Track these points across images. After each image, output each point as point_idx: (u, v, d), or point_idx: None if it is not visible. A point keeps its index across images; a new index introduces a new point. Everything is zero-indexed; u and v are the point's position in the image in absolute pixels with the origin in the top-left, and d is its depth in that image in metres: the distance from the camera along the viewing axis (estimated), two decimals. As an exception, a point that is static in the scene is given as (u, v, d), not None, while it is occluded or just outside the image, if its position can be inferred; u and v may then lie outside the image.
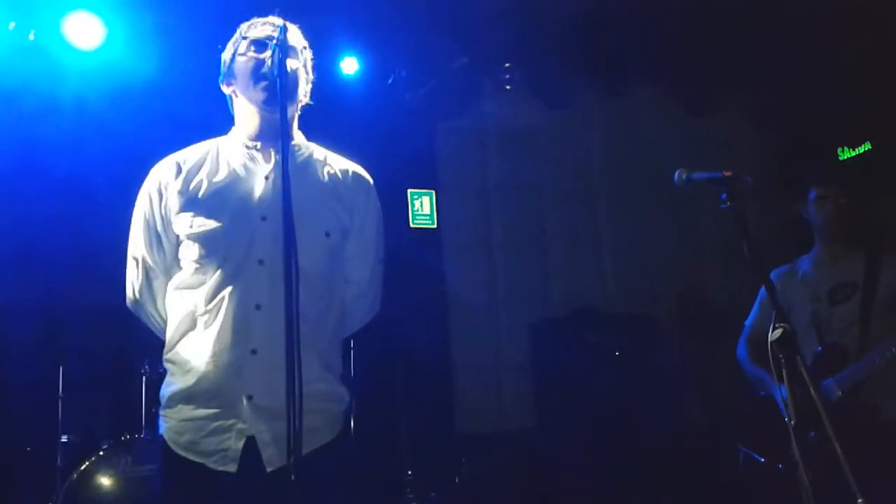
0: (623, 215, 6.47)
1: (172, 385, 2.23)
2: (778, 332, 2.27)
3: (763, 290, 3.68)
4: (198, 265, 2.19)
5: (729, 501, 4.64)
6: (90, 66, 4.83)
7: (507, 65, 5.84)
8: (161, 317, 2.34)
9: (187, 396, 2.18)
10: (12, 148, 4.72)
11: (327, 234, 2.25)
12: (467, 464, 5.36)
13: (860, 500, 2.05)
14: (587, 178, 6.44)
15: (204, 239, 2.18)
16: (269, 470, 2.11)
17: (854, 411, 3.34)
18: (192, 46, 4.87)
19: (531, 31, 5.57)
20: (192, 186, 2.25)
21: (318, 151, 2.41)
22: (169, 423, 2.22)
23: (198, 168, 2.29)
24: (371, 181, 2.44)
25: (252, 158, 2.29)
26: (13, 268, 4.71)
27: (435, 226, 5.94)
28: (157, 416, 4.33)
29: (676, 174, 2.58)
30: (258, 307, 2.13)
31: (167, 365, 2.28)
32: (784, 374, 2.26)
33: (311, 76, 2.39)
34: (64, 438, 4.37)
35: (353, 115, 5.28)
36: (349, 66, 5.53)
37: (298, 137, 2.40)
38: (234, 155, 2.31)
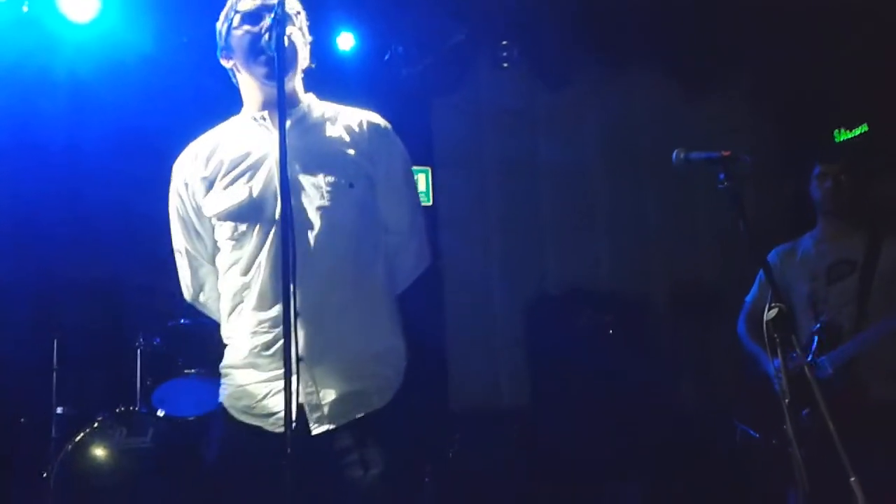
0: (619, 195, 6.47)
1: (229, 356, 2.29)
2: (773, 311, 2.28)
3: (763, 267, 3.69)
4: (233, 241, 2.22)
5: (724, 477, 4.69)
6: (85, 39, 4.80)
7: (504, 42, 5.81)
8: (213, 305, 2.41)
9: (242, 364, 2.23)
10: (6, 122, 4.70)
11: (351, 185, 2.24)
12: (461, 440, 5.39)
13: (853, 478, 2.08)
14: (584, 157, 6.43)
15: (233, 214, 2.21)
16: (314, 433, 2.14)
17: (844, 389, 3.37)
18: (189, 18, 4.83)
19: (530, 9, 5.54)
20: (212, 168, 2.28)
21: (330, 109, 2.40)
22: (228, 389, 2.28)
23: (215, 150, 2.31)
24: (389, 126, 2.42)
25: (263, 128, 2.30)
26: (9, 242, 4.71)
27: (430, 203, 5.94)
28: (152, 388, 4.39)
29: (674, 154, 2.58)
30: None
31: (225, 339, 2.32)
32: (779, 353, 2.28)
33: (307, 38, 2.38)
34: (59, 410, 4.39)
35: (348, 92, 5.18)
36: (345, 41, 5.50)
37: (308, 99, 2.39)
38: (246, 129, 2.33)
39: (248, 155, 2.26)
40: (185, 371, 4.36)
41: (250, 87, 2.34)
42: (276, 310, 2.16)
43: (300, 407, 2.12)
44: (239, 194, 2.21)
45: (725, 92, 6.45)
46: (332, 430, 2.13)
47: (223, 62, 2.39)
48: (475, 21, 5.65)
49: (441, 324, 5.89)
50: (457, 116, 6.20)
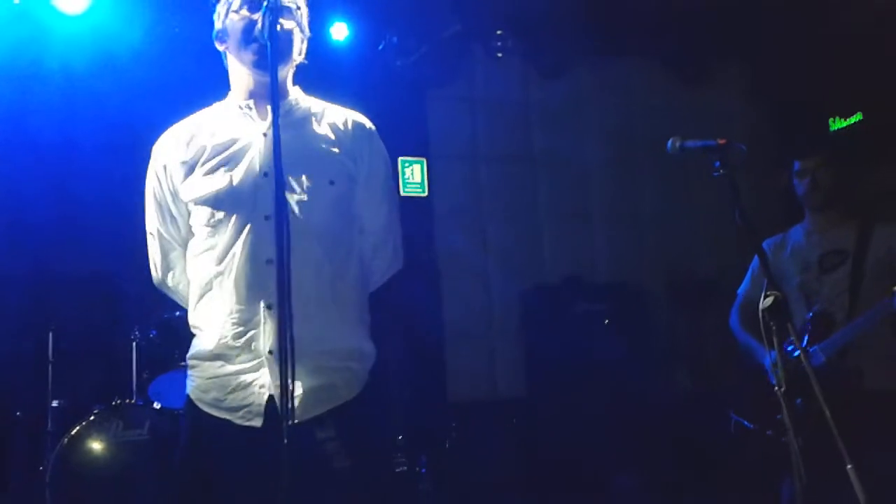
0: (614, 185, 6.48)
1: (197, 346, 2.27)
2: (769, 299, 2.28)
3: (756, 259, 3.69)
4: (209, 228, 2.21)
5: (719, 467, 4.70)
6: (77, 31, 4.77)
7: (499, 32, 5.79)
8: (182, 290, 2.39)
9: (211, 355, 2.21)
10: (-1, 115, 4.68)
11: (331, 182, 2.24)
12: (457, 429, 5.40)
13: (849, 466, 2.08)
14: (579, 147, 6.43)
15: (211, 200, 2.20)
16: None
17: (838, 377, 3.37)
18: (181, 10, 4.81)
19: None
20: (193, 153, 2.26)
21: (317, 104, 2.39)
22: (195, 381, 2.25)
23: (196, 135, 2.29)
24: (373, 127, 2.41)
25: (248, 117, 2.29)
26: (3, 235, 4.69)
27: (426, 194, 5.93)
28: (148, 381, 4.38)
29: (669, 142, 2.57)
30: (269, 261, 2.14)
31: (193, 329, 2.31)
32: (774, 342, 2.27)
33: (306, 34, 2.37)
34: (55, 403, 4.38)
35: (342, 82, 5.23)
36: (339, 31, 5.47)
37: (295, 93, 2.38)
38: (231, 116, 2.31)
39: (231, 143, 2.25)
40: (181, 363, 4.31)
41: (239, 73, 2.33)
42: (248, 301, 2.15)
43: (270, 400, 2.12)
44: (219, 182, 2.20)
45: (721, 81, 6.46)
46: (300, 423, 2.09)
47: (217, 45, 2.37)
48: (470, 11, 5.63)
49: (438, 314, 5.89)
50: (452, 107, 6.19)
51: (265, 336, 2.14)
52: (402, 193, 5.84)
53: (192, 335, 2.31)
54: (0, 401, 4.58)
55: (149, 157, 2.36)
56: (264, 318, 2.14)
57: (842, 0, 5.27)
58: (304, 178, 2.19)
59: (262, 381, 2.14)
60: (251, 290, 2.14)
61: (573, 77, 6.31)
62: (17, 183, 4.74)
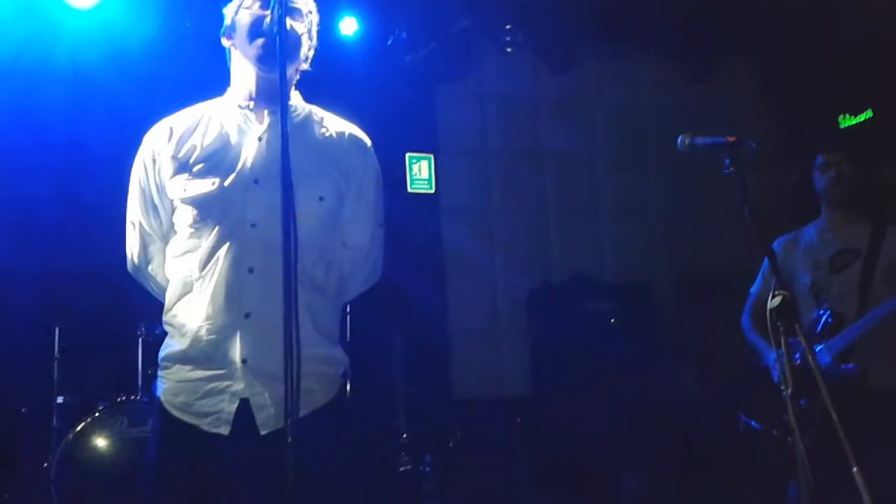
0: (623, 182, 6.45)
1: (169, 347, 2.24)
2: (777, 299, 2.26)
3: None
4: (192, 229, 2.18)
5: (726, 468, 4.67)
6: (87, 27, 4.76)
7: (508, 27, 5.77)
8: (159, 281, 2.35)
9: (183, 358, 2.18)
10: (8, 111, 4.67)
11: (321, 199, 2.22)
12: (462, 428, 5.38)
13: (855, 468, 2.06)
14: (588, 143, 6.41)
15: (197, 203, 2.17)
16: (263, 433, 2.11)
17: (844, 377, 3.35)
18: (192, 5, 4.80)
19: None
20: (184, 150, 2.23)
21: (315, 112, 2.37)
22: (166, 383, 2.23)
23: (190, 132, 2.26)
24: (369, 143, 2.39)
25: (245, 119, 2.26)
26: (11, 230, 4.69)
27: (433, 190, 5.92)
28: (153, 378, 4.37)
29: (679, 139, 2.56)
30: (251, 270, 2.12)
31: (166, 327, 2.28)
32: (782, 342, 2.25)
33: (314, 42, 2.35)
34: (60, 399, 4.39)
35: (351, 77, 5.23)
36: (348, 26, 5.46)
37: (294, 98, 2.36)
38: (227, 116, 2.28)
39: (224, 145, 2.22)
40: (187, 360, 4.35)
41: (243, 70, 2.29)
42: (226, 308, 2.12)
43: (240, 408, 2.10)
44: (208, 185, 2.17)
45: (730, 78, 6.42)
46: (281, 429, 2.09)
47: (224, 41, 2.34)
48: (479, 6, 5.61)
49: (444, 312, 5.87)
50: (460, 102, 6.17)
51: (241, 344, 2.12)
52: (410, 190, 5.82)
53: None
54: (5, 397, 4.58)
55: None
56: (241, 327, 2.12)
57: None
58: (294, 191, 2.16)
59: (234, 389, 2.12)
60: (230, 297, 2.12)
61: (582, 72, 6.29)
62: (24, 180, 4.74)
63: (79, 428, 4.06)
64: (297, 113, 2.32)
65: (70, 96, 4.84)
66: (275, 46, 2.01)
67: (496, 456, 5.39)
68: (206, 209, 2.16)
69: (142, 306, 4.52)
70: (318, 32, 2.38)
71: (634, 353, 5.44)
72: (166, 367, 2.24)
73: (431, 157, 5.92)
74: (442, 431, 5.31)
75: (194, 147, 2.23)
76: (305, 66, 2.36)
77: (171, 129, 2.28)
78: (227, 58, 2.36)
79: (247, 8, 2.25)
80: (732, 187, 2.38)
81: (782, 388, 2.29)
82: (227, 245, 2.14)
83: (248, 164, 2.18)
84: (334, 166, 2.28)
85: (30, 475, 4.28)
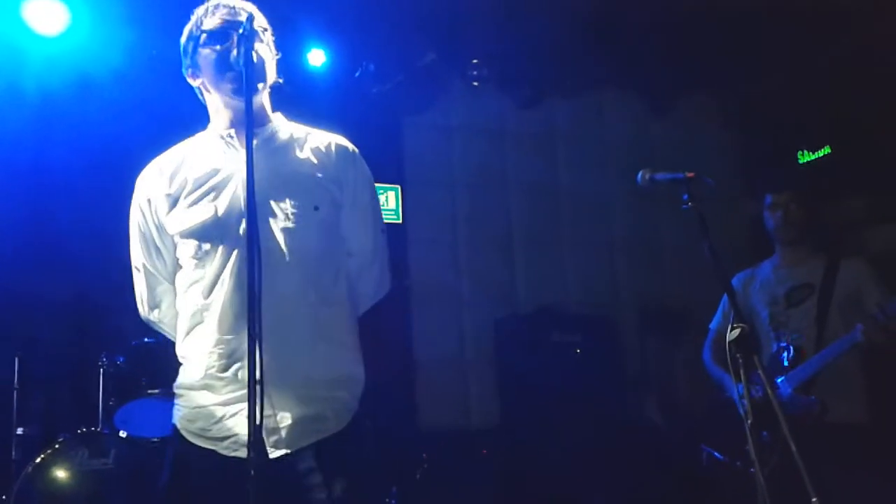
0: (586, 214, 6.51)
1: (184, 375, 2.26)
2: (736, 331, 2.30)
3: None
4: (196, 260, 2.20)
5: (690, 499, 4.70)
6: (53, 53, 4.74)
7: (475, 61, 5.84)
8: (169, 322, 2.38)
9: (197, 385, 2.20)
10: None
11: (316, 208, 2.24)
12: (428, 459, 5.36)
13: (814, 500, 2.09)
14: (553, 176, 6.47)
15: (196, 233, 2.20)
16: (272, 456, 2.10)
17: (804, 409, 3.40)
18: (160, 31, 4.79)
19: (500, 28, 5.58)
20: (176, 185, 2.26)
21: (299, 130, 2.40)
22: (182, 410, 2.24)
23: (179, 167, 2.29)
24: (356, 150, 2.42)
25: (229, 146, 2.29)
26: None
27: (400, 221, 5.93)
28: (115, 409, 4.31)
29: (639, 174, 2.61)
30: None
31: (181, 358, 2.29)
32: (742, 374, 2.29)
33: (275, 54, 2.38)
34: (19, 431, 4.30)
35: (318, 108, 5.23)
36: (316, 57, 5.49)
37: (276, 119, 2.39)
38: (212, 147, 2.31)
39: (214, 173, 2.25)
40: (149, 391, 4.27)
41: (218, 105, 2.33)
42: (236, 331, 2.13)
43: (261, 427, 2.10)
44: (203, 213, 2.20)
45: (693, 114, 6.54)
46: (290, 453, 2.10)
47: (190, 80, 2.37)
48: (445, 40, 5.67)
49: (410, 342, 5.86)
50: (427, 134, 6.21)
51: (253, 366, 2.12)
52: (377, 220, 5.83)
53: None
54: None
55: (125, 180, 2.36)
56: (252, 348, 2.13)
57: (812, 35, 5.36)
58: (288, 204, 2.19)
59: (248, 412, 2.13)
60: (238, 319, 2.13)
61: (548, 106, 6.36)
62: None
63: (38, 460, 3.97)
64: (279, 132, 2.35)
65: (36, 122, 4.80)
66: (244, 79, 2.04)
67: (463, 486, 5.36)
68: (206, 237, 2.19)
69: (103, 336, 4.49)
70: (287, 64, 2.43)
71: (599, 384, 5.47)
72: (181, 395, 2.26)
73: (398, 187, 5.94)
74: (408, 462, 5.28)
75: (185, 180, 2.25)
76: (274, 80, 2.38)
77: (161, 169, 2.31)
78: (199, 94, 2.39)
79: (202, 47, 2.27)
80: (694, 221, 2.43)
81: (744, 419, 2.32)
82: (230, 268, 2.17)
83: (240, 187, 2.21)
84: (325, 176, 2.31)
85: (-13, 508, 4.19)
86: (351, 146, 2.42)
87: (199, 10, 2.30)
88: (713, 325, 3.97)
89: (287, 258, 2.12)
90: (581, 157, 6.47)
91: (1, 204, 4.68)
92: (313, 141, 2.37)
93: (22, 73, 4.74)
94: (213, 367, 2.16)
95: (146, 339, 4.25)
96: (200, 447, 2.17)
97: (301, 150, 2.33)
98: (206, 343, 2.18)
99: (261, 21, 2.33)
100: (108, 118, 4.75)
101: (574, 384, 5.39)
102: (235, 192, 2.21)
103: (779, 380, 3.50)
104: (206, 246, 2.19)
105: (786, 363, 3.53)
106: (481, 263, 6.20)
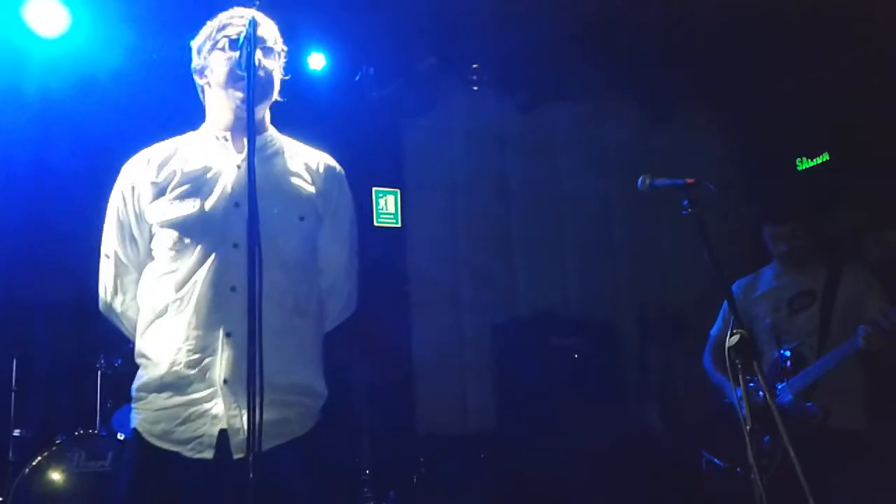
0: (586, 219, 6.51)
1: (143, 377, 2.23)
2: (735, 337, 2.30)
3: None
4: (173, 252, 2.20)
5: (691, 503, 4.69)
6: (54, 55, 4.74)
7: (475, 65, 5.85)
8: (130, 316, 2.35)
9: (160, 386, 2.17)
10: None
11: (301, 218, 2.27)
12: (426, 464, 5.35)
13: (812, 505, 2.09)
14: (553, 180, 6.47)
15: (177, 225, 2.20)
16: (235, 457, 2.09)
17: (805, 416, 3.39)
18: (161, 34, 4.80)
19: (500, 33, 5.58)
20: (164, 175, 2.27)
21: (290, 143, 2.43)
22: (142, 414, 2.21)
23: (169, 158, 2.31)
24: (342, 171, 2.46)
25: (223, 147, 2.31)
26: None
27: (399, 225, 5.93)
28: (112, 411, 4.31)
29: (640, 180, 2.61)
30: (233, 289, 2.13)
31: (138, 358, 2.27)
32: (741, 380, 2.29)
33: (283, 74, 2.41)
34: (16, 433, 4.30)
35: (318, 112, 5.25)
36: (316, 61, 5.49)
37: (271, 130, 2.42)
38: (205, 145, 2.33)
39: (205, 171, 2.26)
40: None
41: (221, 107, 2.34)
42: (208, 327, 2.13)
43: (222, 431, 2.10)
44: (189, 207, 2.20)
45: (695, 121, 6.54)
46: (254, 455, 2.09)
47: (197, 78, 2.39)
48: (446, 44, 5.68)
49: (408, 346, 5.86)
50: (427, 138, 6.21)
51: (221, 365, 2.12)
52: (376, 224, 5.83)
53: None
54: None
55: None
56: (222, 346, 2.13)
57: (812, 43, 5.37)
58: (275, 211, 2.21)
59: (216, 412, 2.11)
60: (212, 316, 2.13)
61: (548, 111, 6.36)
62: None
63: (35, 462, 3.98)
64: (272, 143, 2.38)
65: (37, 124, 4.80)
66: (248, 83, 2.05)
67: (460, 491, 5.35)
68: (187, 231, 2.19)
69: (101, 339, 4.47)
70: (287, 67, 2.44)
71: (598, 389, 5.46)
72: (140, 399, 2.22)
73: (398, 191, 5.94)
74: (406, 467, 5.27)
75: (174, 172, 2.26)
76: (276, 97, 2.40)
77: (150, 158, 2.32)
78: (200, 93, 2.41)
79: (221, 50, 2.30)
80: (694, 227, 2.43)
81: (744, 425, 2.32)
82: (207, 265, 2.16)
83: (229, 189, 2.23)
84: (312, 189, 2.34)
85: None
86: (338, 166, 2.46)
87: (224, 16, 2.33)
88: (713, 331, 3.96)
89: (268, 264, 2.09)
90: (581, 162, 6.46)
91: (0, 205, 4.68)
92: (304, 156, 2.41)
93: (22, 75, 4.73)
94: (180, 363, 2.14)
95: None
96: (164, 450, 2.14)
97: (292, 161, 2.37)
98: (174, 339, 2.15)
99: (279, 41, 2.38)
100: (108, 120, 4.74)
101: (572, 389, 5.38)
102: (223, 191, 2.22)
103: (780, 386, 3.50)
104: (187, 240, 2.19)
105: (788, 369, 3.53)
106: (480, 267, 6.20)
